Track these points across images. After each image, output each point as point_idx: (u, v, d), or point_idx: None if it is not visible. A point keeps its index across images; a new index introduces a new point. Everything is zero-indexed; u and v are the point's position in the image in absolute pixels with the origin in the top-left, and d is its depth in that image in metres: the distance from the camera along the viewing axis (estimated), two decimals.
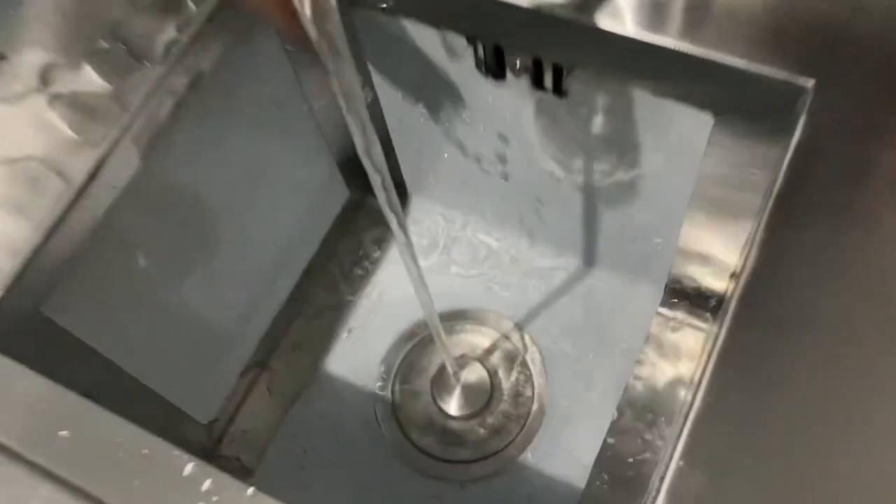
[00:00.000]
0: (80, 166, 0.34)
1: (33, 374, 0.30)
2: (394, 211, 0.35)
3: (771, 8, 0.34)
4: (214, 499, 0.27)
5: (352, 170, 0.56)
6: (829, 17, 0.34)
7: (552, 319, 0.55)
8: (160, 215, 0.41)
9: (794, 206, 0.30)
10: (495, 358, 0.54)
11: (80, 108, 0.35)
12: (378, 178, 0.32)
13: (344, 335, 0.56)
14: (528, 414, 0.52)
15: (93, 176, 0.34)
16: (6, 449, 0.29)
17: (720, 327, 0.29)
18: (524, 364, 0.54)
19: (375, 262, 0.58)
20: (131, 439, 0.29)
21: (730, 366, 0.28)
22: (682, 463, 0.26)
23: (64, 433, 0.29)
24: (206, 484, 0.27)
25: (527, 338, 0.55)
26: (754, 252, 0.30)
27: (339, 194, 0.58)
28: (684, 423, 0.27)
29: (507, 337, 0.55)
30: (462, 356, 0.54)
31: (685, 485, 0.26)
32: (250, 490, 0.27)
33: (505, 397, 0.53)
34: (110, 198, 0.36)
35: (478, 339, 0.55)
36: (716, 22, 0.34)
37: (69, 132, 0.35)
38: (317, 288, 0.57)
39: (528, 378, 0.53)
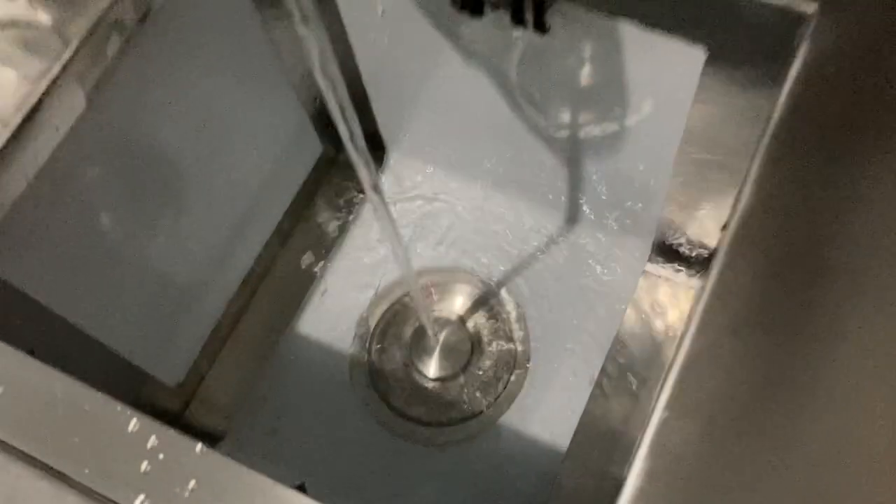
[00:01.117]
0: (16, 104, 0.31)
1: None
2: (367, 168, 0.32)
3: None
4: (160, 456, 0.25)
5: (325, 123, 0.53)
6: None
7: (536, 278, 0.52)
8: (112, 162, 0.38)
9: (790, 146, 0.28)
10: (476, 318, 0.52)
11: (15, 40, 0.32)
12: (349, 134, 0.30)
13: (317, 297, 0.54)
14: (510, 374, 0.50)
15: (30, 117, 0.32)
16: None
17: (708, 277, 0.27)
18: (506, 323, 0.52)
19: (351, 221, 0.56)
20: (71, 394, 0.26)
21: (718, 312, 0.26)
22: (666, 413, 0.24)
23: None
24: (152, 440, 0.25)
25: (509, 297, 0.52)
26: (746, 197, 0.27)
27: (312, 148, 0.55)
28: (668, 372, 0.25)
29: (488, 296, 0.52)
30: (441, 317, 0.52)
31: (669, 435, 0.24)
32: (199, 447, 0.25)
33: (485, 358, 0.51)
34: (53, 142, 0.33)
35: (458, 299, 0.53)
36: None
37: (3, 67, 0.32)
38: (288, 246, 0.55)
39: (510, 338, 0.51)
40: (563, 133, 0.46)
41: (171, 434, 0.25)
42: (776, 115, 0.29)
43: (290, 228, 0.55)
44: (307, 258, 0.55)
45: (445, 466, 0.49)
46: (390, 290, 0.53)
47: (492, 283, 0.53)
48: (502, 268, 0.53)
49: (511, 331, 0.52)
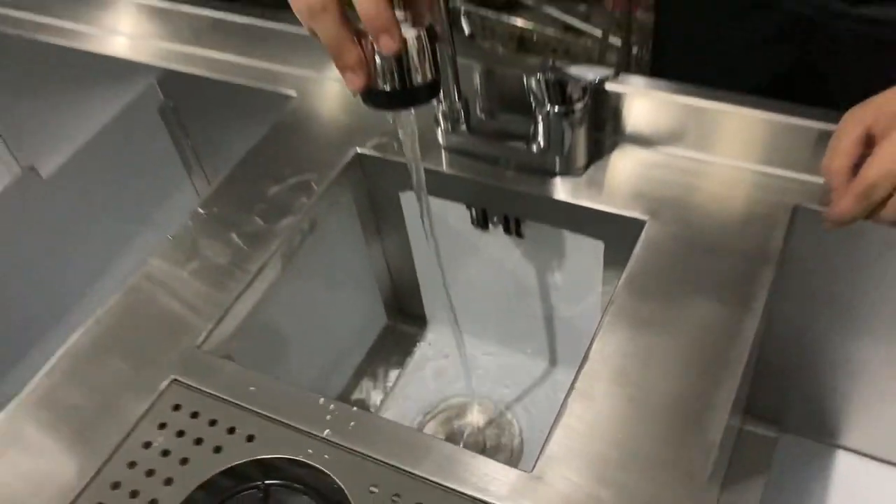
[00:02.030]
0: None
1: None
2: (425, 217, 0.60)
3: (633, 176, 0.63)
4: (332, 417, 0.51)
5: (392, 304, 0.84)
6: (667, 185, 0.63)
7: (531, 402, 0.79)
8: (257, 334, 0.66)
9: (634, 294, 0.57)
10: (487, 431, 0.78)
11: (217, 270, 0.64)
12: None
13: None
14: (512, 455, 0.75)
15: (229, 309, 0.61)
16: None
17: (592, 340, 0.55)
18: (511, 436, 0.77)
19: (403, 371, 0.83)
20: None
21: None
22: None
23: None
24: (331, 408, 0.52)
25: (513, 418, 0.79)
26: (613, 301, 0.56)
27: (380, 321, 0.85)
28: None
29: (499, 416, 0.79)
30: (463, 427, 0.78)
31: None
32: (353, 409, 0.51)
33: (491, 444, 0.76)
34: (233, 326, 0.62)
35: (478, 416, 0.79)
36: (607, 185, 0.63)
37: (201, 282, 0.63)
38: (358, 388, 0.82)
39: (512, 438, 0.77)
40: (542, 302, 0.75)
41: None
42: (625, 274, 0.58)
43: (356, 382, 0.83)
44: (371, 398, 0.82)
45: None
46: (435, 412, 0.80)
47: (502, 408, 0.79)
48: (508, 397, 0.80)
49: (513, 441, 0.77)
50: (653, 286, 0.56)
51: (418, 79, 0.47)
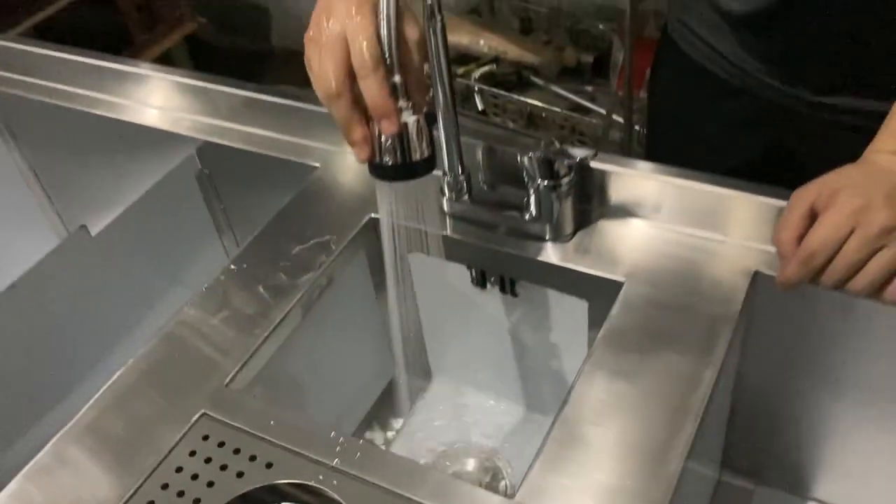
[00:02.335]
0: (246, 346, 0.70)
1: None
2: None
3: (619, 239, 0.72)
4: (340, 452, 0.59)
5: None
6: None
7: (520, 449, 0.86)
8: (277, 376, 0.73)
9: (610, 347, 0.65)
10: (479, 475, 0.84)
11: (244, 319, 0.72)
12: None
13: None
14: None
15: (254, 353, 0.69)
16: None
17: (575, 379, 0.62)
18: (504, 478, 0.84)
19: (408, 416, 0.90)
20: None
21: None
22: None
23: None
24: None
25: (506, 461, 0.85)
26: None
27: (388, 374, 0.92)
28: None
29: (493, 460, 0.85)
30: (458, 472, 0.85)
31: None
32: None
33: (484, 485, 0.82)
34: (258, 368, 0.70)
35: (472, 461, 0.86)
36: (591, 250, 0.71)
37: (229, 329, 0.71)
38: (371, 430, 0.89)
39: (503, 480, 0.83)
40: (535, 355, 0.82)
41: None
42: (602, 330, 0.66)
43: (365, 426, 0.90)
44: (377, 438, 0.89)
45: None
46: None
47: (493, 450, 0.86)
48: (503, 444, 0.86)
49: (505, 483, 0.84)
50: (626, 341, 0.64)
51: (416, 156, 0.57)
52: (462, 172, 0.74)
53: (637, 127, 1.73)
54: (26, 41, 1.05)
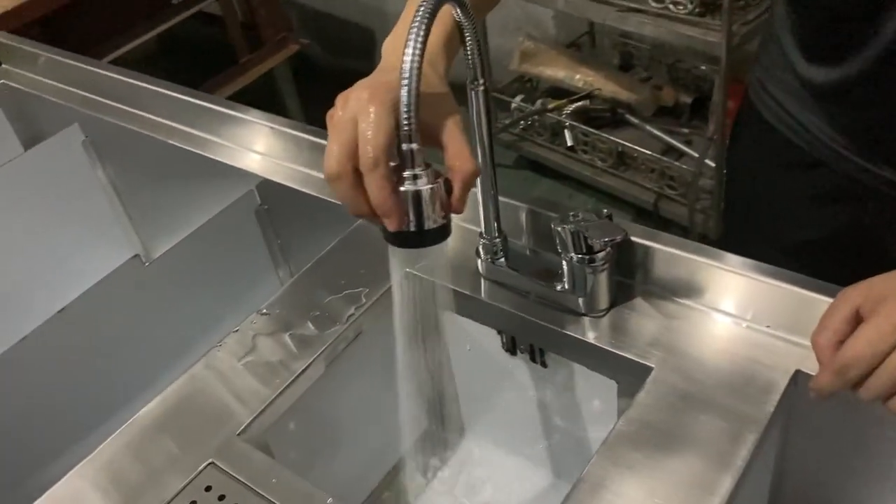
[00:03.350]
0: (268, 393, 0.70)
1: None
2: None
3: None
4: None
5: (431, 410, 0.90)
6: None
7: None
8: (295, 428, 0.73)
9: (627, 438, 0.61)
10: None
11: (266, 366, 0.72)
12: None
13: None
14: None
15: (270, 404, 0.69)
16: None
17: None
18: None
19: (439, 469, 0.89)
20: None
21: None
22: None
23: None
24: None
25: None
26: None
27: (419, 425, 0.91)
28: None
29: None
30: None
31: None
32: None
33: None
34: (272, 419, 0.70)
35: None
36: (625, 329, 0.68)
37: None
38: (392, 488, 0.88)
39: None
40: (563, 426, 0.79)
41: None
42: (623, 416, 0.62)
43: (389, 480, 0.89)
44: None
45: None
46: None
47: None
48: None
49: None
50: (645, 434, 0.60)
51: (428, 224, 0.55)
52: (498, 235, 0.72)
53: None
54: (114, 69, 1.11)
